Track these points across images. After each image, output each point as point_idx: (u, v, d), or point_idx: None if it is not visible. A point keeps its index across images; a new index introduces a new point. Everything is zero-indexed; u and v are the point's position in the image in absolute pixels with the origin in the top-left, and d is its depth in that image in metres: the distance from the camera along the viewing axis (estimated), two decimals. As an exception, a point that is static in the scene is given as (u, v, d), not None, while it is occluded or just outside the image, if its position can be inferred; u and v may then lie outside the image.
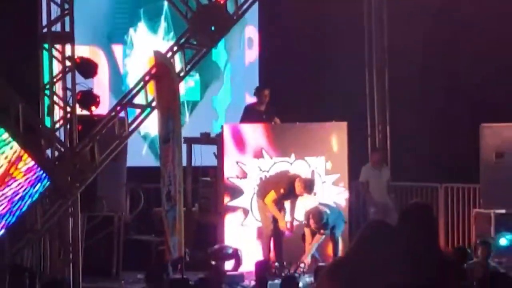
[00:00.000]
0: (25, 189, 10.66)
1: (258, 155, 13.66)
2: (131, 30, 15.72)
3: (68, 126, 11.51)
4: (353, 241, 6.53)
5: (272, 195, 12.94)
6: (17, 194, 10.66)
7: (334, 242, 12.98)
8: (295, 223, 13.21)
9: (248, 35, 16.88)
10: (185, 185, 12.82)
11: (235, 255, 12.81)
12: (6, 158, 10.57)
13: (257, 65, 16.98)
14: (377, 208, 14.27)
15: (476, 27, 14.42)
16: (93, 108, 12.16)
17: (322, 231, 12.85)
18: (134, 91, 12.19)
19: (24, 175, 10.69)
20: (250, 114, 14.34)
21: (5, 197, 10.63)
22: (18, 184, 10.66)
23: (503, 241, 13.39)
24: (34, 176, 10.73)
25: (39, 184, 10.74)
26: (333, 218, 12.88)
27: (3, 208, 10.57)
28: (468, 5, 14.33)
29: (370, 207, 14.55)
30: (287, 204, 13.13)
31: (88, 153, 11.58)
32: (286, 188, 12.91)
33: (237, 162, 13.73)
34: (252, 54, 17.06)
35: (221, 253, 12.81)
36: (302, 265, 12.54)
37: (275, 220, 13.05)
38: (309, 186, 12.91)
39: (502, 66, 14.79)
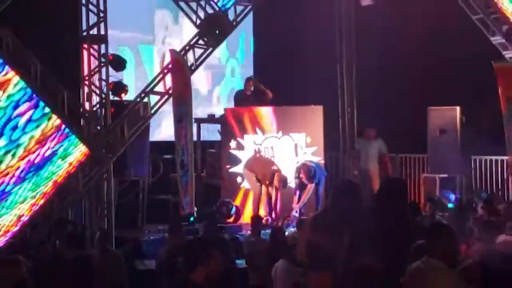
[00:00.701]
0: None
1: (253, 131, 13.71)
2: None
3: (103, 110, 11.48)
4: (328, 198, 6.64)
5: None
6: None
7: (317, 197, 12.79)
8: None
9: (245, 37, 16.93)
10: (195, 156, 12.84)
11: (235, 211, 12.90)
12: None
13: (251, 61, 17.03)
14: (359, 172, 14.18)
15: (423, 31, 14.46)
16: (122, 95, 12.15)
17: (310, 184, 12.70)
18: (155, 81, 12.22)
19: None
20: (238, 97, 14.54)
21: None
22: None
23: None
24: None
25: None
26: (318, 172, 12.78)
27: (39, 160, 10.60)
28: (419, 11, 14.35)
29: (354, 170, 14.52)
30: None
31: (119, 131, 11.59)
32: (269, 180, 12.76)
33: (236, 137, 13.86)
34: (248, 52, 17.11)
35: (224, 209, 12.83)
36: (288, 218, 12.52)
37: (260, 184, 12.90)
38: (283, 182, 12.77)
39: (445, 61, 14.86)
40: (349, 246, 5.55)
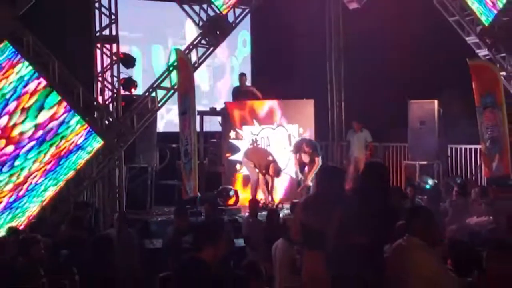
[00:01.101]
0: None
1: (250, 123, 13.72)
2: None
3: (115, 103, 11.51)
4: (317, 182, 6.67)
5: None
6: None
7: None
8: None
9: (243, 37, 16.91)
10: (198, 145, 12.71)
11: (235, 194, 12.93)
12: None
13: (249, 59, 17.02)
14: (349, 160, 14.22)
15: (405, 32, 14.45)
16: (132, 90, 12.18)
17: (316, 158, 12.55)
18: (162, 77, 12.17)
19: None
20: (235, 93, 14.58)
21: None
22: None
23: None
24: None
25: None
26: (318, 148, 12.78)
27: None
28: (401, 15, 14.35)
29: (345, 159, 14.59)
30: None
31: (129, 122, 11.60)
32: (265, 170, 12.66)
33: (235, 128, 13.87)
34: (246, 51, 17.10)
35: (224, 193, 12.84)
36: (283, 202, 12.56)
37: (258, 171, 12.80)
38: (277, 172, 12.68)
39: (425, 59, 14.87)
40: (339, 225, 5.57)
